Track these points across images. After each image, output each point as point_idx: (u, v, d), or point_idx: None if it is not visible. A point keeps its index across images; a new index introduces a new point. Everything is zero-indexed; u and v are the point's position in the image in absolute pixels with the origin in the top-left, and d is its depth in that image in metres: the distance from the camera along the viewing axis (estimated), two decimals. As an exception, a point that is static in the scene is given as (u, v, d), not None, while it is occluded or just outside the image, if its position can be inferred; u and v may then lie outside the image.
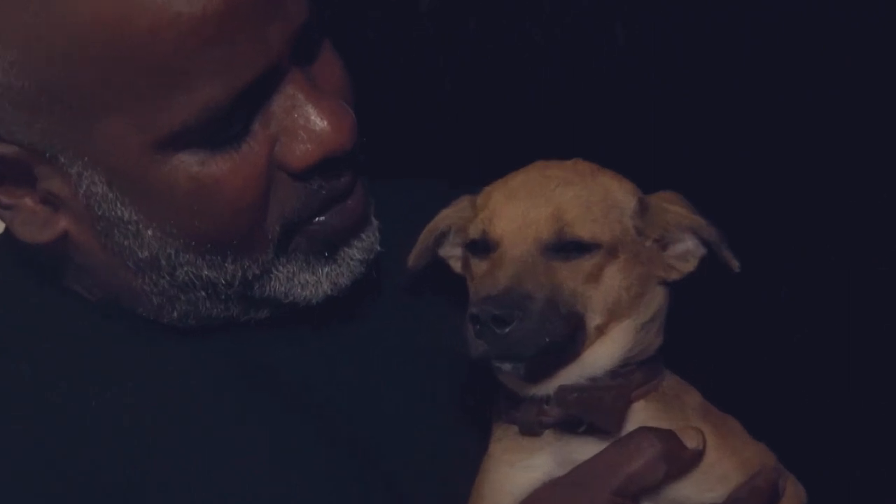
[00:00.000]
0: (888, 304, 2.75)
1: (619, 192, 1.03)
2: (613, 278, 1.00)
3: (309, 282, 1.08)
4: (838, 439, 2.28)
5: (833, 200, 3.39)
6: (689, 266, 1.04)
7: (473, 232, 1.03)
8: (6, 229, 1.08)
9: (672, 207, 1.03)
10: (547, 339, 0.96)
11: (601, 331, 1.00)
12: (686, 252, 1.04)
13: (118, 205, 1.02)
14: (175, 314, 1.08)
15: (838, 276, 2.86)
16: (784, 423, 1.14)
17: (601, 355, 1.01)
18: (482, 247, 1.02)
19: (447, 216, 1.10)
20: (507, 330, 0.95)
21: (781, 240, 2.97)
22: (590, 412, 1.00)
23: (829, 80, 3.70)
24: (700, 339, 1.16)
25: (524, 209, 1.00)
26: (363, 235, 1.10)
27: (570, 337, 0.98)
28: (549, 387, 1.01)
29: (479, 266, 1.02)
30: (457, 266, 1.11)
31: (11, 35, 0.96)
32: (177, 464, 1.05)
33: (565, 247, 0.99)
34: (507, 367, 0.99)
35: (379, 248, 1.11)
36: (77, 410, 1.04)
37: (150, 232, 1.03)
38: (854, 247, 3.21)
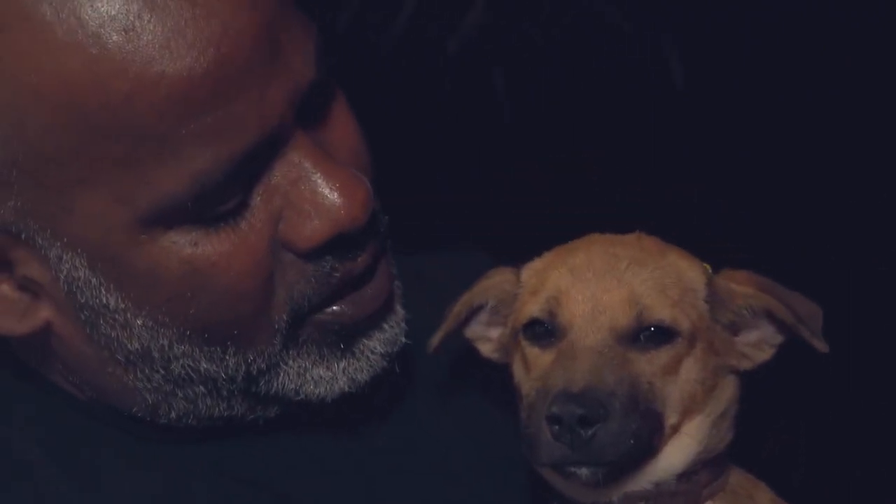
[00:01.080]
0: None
1: (691, 273, 0.92)
2: (690, 371, 0.90)
3: (323, 378, 0.96)
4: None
5: (833, 203, 3.37)
6: (765, 355, 0.94)
7: (532, 312, 0.91)
8: None
9: (740, 288, 0.93)
10: (631, 442, 0.86)
11: (675, 429, 0.90)
12: (761, 340, 0.94)
13: (103, 291, 0.90)
14: (173, 414, 0.96)
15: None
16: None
17: (674, 457, 0.91)
18: (544, 332, 0.91)
19: (487, 288, 0.98)
20: (591, 432, 0.85)
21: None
22: None
23: (830, 80, 3.69)
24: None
25: (595, 292, 0.89)
26: (385, 326, 0.97)
27: (649, 440, 0.88)
28: (613, 493, 0.90)
29: (541, 356, 0.91)
30: (486, 349, 0.99)
31: None
32: None
33: (643, 334, 0.89)
34: (584, 472, 0.88)
35: (405, 340, 0.98)
36: None
37: (139, 321, 0.91)
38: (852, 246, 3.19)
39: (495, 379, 1.00)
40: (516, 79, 3.32)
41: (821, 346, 0.91)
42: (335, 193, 0.90)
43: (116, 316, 0.91)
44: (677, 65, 3.10)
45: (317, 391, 0.95)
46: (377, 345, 0.96)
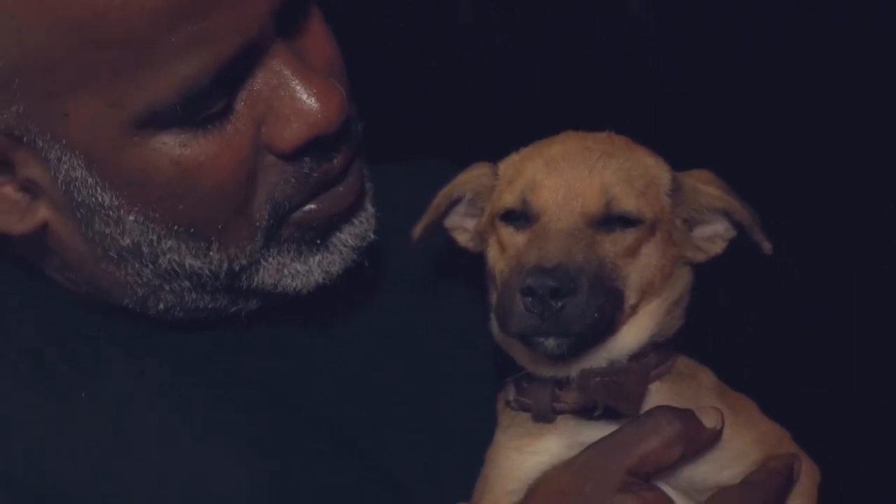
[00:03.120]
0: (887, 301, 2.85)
1: (656, 168, 1.02)
2: (650, 256, 0.99)
3: (300, 271, 1.05)
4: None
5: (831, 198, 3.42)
6: (717, 248, 1.03)
7: (507, 201, 1.00)
8: None
9: (705, 188, 1.02)
10: (596, 315, 0.94)
11: (633, 310, 0.99)
12: (715, 234, 1.03)
13: (98, 190, 0.98)
14: (161, 305, 1.05)
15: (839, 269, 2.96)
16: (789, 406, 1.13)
17: (630, 336, 1.00)
18: (518, 216, 0.99)
19: (465, 181, 1.07)
20: (561, 304, 0.93)
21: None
22: (611, 397, 0.98)
23: (830, 80, 3.70)
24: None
25: (568, 180, 0.98)
26: (356, 221, 1.06)
27: (611, 315, 0.97)
28: (573, 368, 0.99)
29: (516, 237, 0.99)
30: (463, 238, 1.08)
31: None
32: (160, 454, 1.03)
33: (610, 220, 0.98)
34: (551, 343, 0.96)
35: (373, 235, 1.07)
36: (59, 403, 1.02)
37: (131, 217, 0.99)
38: (852, 245, 3.25)
39: (461, 276, 1.11)
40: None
41: (767, 246, 1.01)
42: (312, 99, 0.98)
43: (110, 213, 0.99)
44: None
45: (294, 284, 1.05)
46: (348, 238, 1.05)
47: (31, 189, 1.01)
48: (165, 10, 0.91)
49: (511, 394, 1.03)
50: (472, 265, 1.08)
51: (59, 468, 1.01)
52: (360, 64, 1.11)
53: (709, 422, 0.98)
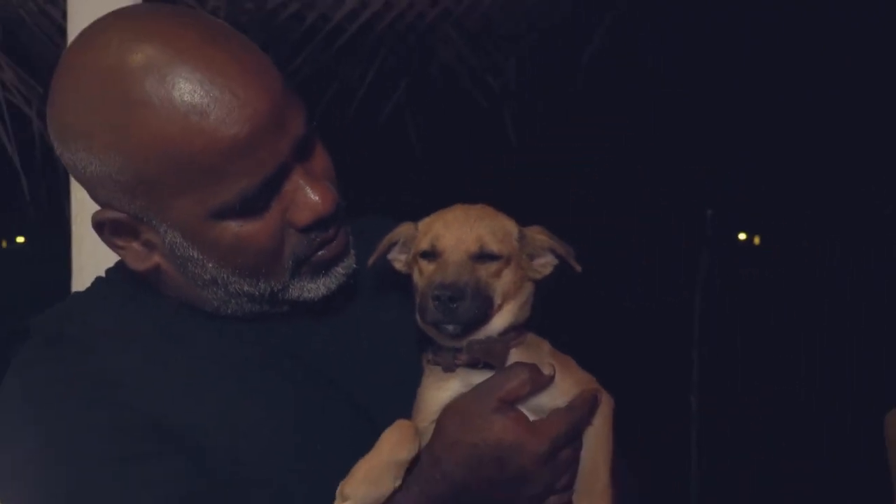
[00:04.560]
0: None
1: (510, 225, 1.61)
2: (508, 276, 1.57)
3: (312, 289, 1.60)
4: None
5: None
6: (547, 271, 1.62)
7: (423, 245, 1.57)
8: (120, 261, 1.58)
9: (538, 236, 1.61)
10: (476, 311, 1.52)
11: (499, 308, 1.57)
12: (546, 262, 1.62)
13: (189, 249, 1.53)
14: (229, 310, 1.60)
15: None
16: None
17: (498, 322, 1.58)
18: (430, 254, 1.57)
19: (399, 233, 1.64)
20: (455, 305, 1.51)
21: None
22: (486, 356, 1.56)
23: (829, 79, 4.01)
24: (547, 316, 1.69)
25: (458, 233, 1.56)
26: (345, 260, 1.63)
27: (486, 311, 1.56)
28: (462, 342, 1.57)
29: (428, 266, 1.57)
30: (399, 265, 1.64)
31: (117, 147, 1.43)
32: (226, 402, 1.52)
33: (483, 256, 1.56)
34: (450, 328, 1.54)
35: (355, 266, 1.63)
36: (163, 366, 1.53)
37: (210, 265, 1.55)
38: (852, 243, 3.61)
39: (400, 288, 1.65)
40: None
41: (577, 267, 1.59)
42: (316, 197, 1.50)
43: (198, 262, 1.52)
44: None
45: (309, 296, 1.59)
46: (341, 269, 1.62)
47: (148, 245, 1.53)
48: (229, 151, 1.42)
49: (430, 356, 1.60)
50: (404, 281, 1.62)
51: (167, 401, 1.48)
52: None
53: (546, 370, 1.54)
